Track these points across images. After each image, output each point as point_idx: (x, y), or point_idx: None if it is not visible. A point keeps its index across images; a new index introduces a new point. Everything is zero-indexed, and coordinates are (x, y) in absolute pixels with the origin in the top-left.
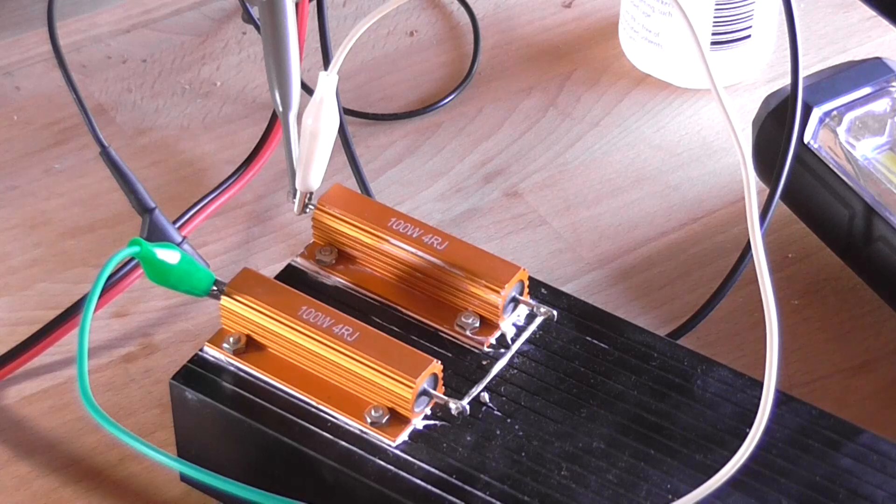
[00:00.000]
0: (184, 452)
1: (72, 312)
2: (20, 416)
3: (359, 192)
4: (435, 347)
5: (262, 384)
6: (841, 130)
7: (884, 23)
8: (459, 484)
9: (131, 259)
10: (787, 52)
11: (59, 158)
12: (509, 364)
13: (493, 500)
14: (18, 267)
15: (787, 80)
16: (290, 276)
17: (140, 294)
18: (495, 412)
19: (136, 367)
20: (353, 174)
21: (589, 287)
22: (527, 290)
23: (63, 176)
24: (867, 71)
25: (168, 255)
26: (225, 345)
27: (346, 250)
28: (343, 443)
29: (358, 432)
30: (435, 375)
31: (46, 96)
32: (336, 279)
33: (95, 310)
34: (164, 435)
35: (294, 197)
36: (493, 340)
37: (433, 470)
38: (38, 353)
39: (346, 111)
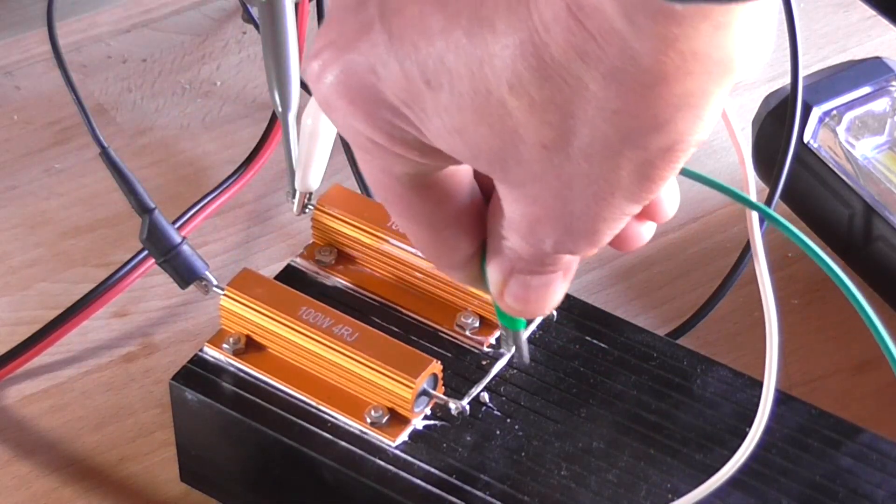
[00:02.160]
0: (184, 452)
1: (72, 312)
2: (20, 416)
3: (359, 192)
4: (434, 347)
5: (262, 384)
6: (841, 130)
7: (884, 22)
8: (459, 484)
9: (133, 258)
10: (787, 52)
11: (59, 158)
12: (509, 364)
13: (493, 500)
14: (18, 267)
15: (787, 80)
16: (290, 276)
17: (140, 294)
18: (495, 412)
19: (136, 367)
20: (353, 174)
21: (589, 287)
22: None
23: (63, 176)
24: (867, 70)
25: None
26: (225, 345)
27: (346, 250)
28: (343, 443)
29: (358, 432)
30: (435, 375)
31: (46, 96)
32: (335, 279)
33: (96, 309)
34: (164, 435)
35: (293, 197)
36: (492, 340)
37: (433, 470)
38: (38, 353)
39: None
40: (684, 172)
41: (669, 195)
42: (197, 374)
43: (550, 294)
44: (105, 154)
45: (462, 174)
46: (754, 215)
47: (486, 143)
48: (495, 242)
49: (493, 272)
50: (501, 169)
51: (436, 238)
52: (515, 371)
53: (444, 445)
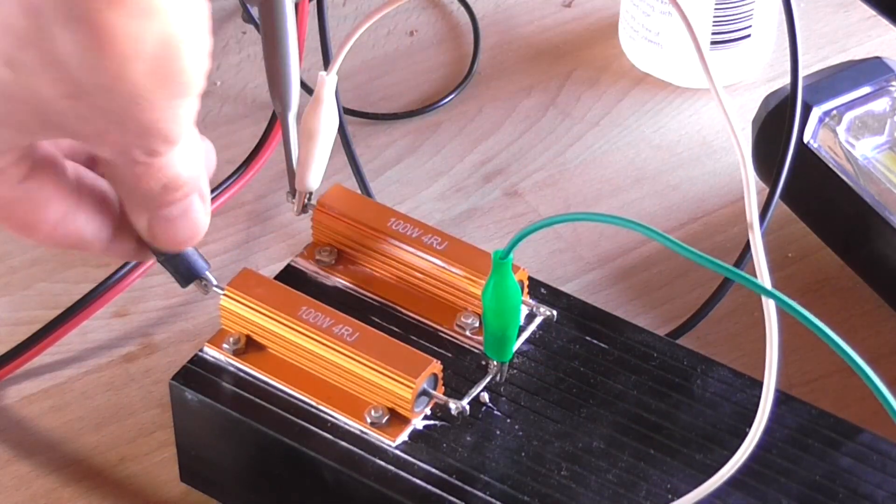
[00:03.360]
0: (184, 453)
1: (72, 312)
2: (20, 416)
3: (359, 192)
4: (435, 347)
5: (262, 384)
6: (841, 130)
7: (884, 22)
8: (459, 484)
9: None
10: (787, 52)
11: None
12: (509, 364)
13: (493, 501)
14: (18, 267)
15: (787, 80)
16: (290, 276)
17: (140, 294)
18: (495, 412)
19: (136, 367)
20: (354, 174)
21: (589, 286)
22: (526, 289)
23: None
24: (867, 70)
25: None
26: (225, 345)
27: (346, 250)
28: (343, 443)
29: (358, 432)
30: (435, 375)
31: None
32: (336, 279)
33: (96, 309)
34: (164, 435)
35: (293, 197)
36: None
37: (433, 470)
38: (37, 353)
39: (345, 111)
40: (696, 257)
41: None
42: (197, 374)
43: (194, 219)
44: None
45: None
46: (755, 216)
47: (22, 115)
48: (118, 186)
49: (135, 221)
50: (52, 130)
51: (62, 235)
52: (515, 371)
53: (445, 445)
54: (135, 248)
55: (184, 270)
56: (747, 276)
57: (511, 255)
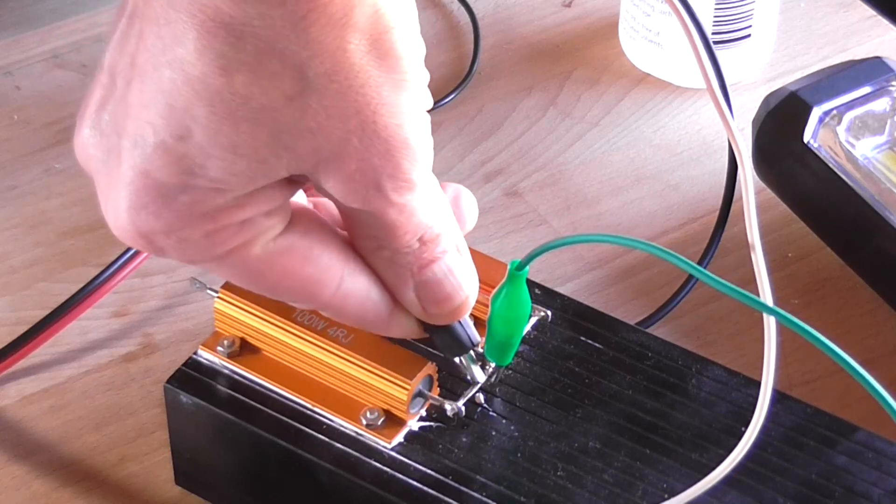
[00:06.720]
0: (179, 456)
1: (66, 308)
2: (20, 415)
3: None
4: (429, 348)
5: (257, 387)
6: (841, 130)
7: (884, 22)
8: (455, 485)
9: (128, 253)
10: (787, 52)
11: (59, 158)
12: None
13: (489, 501)
14: (19, 267)
15: (787, 80)
16: None
17: (140, 293)
18: (490, 413)
19: (137, 367)
20: None
21: (589, 286)
22: None
23: (63, 176)
24: (867, 70)
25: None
26: (219, 348)
27: None
28: (338, 445)
29: (353, 434)
30: (430, 377)
31: (46, 96)
32: None
33: (90, 304)
34: (164, 435)
35: None
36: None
37: (429, 471)
38: (31, 350)
39: None
40: (708, 279)
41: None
42: (191, 376)
43: (459, 277)
44: None
45: (310, 219)
46: (753, 215)
47: (255, 137)
48: (376, 260)
49: (402, 296)
50: (290, 154)
51: (345, 297)
52: (510, 372)
53: (440, 447)
54: (418, 323)
55: (460, 339)
56: (745, 292)
57: (527, 268)
